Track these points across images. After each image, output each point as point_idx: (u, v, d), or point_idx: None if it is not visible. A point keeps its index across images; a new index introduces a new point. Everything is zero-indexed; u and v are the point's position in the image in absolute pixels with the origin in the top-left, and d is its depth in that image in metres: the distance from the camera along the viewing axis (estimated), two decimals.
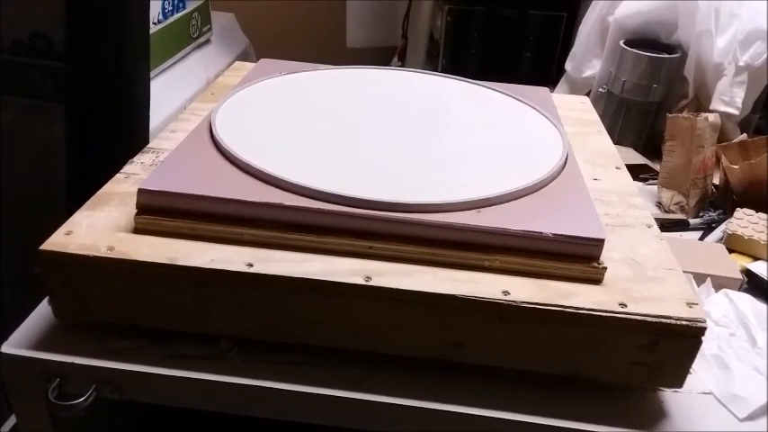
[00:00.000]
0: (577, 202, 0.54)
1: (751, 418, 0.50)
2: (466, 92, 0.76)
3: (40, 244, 0.48)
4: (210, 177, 0.52)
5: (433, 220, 0.49)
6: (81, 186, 0.87)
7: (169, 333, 0.51)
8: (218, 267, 0.47)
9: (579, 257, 0.49)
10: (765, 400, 0.51)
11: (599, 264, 0.49)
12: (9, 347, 0.50)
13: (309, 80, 0.76)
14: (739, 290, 0.64)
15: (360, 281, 0.47)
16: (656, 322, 0.46)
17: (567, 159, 0.60)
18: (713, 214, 0.82)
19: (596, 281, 0.49)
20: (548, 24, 1.17)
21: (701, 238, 0.78)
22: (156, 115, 0.98)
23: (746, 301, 0.61)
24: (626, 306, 0.46)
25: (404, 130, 0.65)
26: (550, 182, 0.56)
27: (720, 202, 0.84)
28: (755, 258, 0.70)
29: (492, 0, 1.14)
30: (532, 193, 0.54)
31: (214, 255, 0.48)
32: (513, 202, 0.52)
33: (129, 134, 0.90)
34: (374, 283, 0.47)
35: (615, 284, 0.49)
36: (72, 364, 0.49)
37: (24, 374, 0.50)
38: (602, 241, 0.49)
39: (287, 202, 0.49)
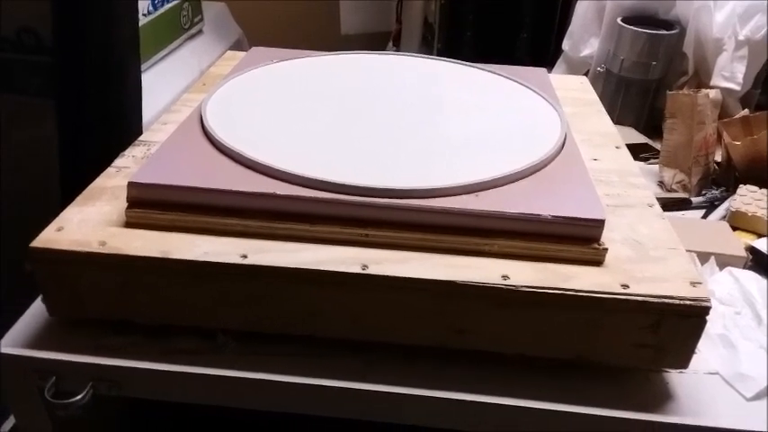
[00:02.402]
0: (577, 182, 0.53)
1: (758, 397, 0.50)
2: (462, 75, 0.75)
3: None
4: (202, 169, 0.51)
5: (430, 206, 0.48)
6: (75, 182, 0.86)
7: (165, 328, 0.50)
8: (212, 260, 0.46)
9: (579, 239, 0.48)
10: None
11: (600, 245, 0.48)
12: (4, 346, 0.49)
13: (301, 67, 0.75)
14: (744, 268, 0.63)
15: (357, 269, 0.46)
16: (659, 303, 0.45)
17: (565, 140, 0.59)
18: (716, 192, 0.81)
19: (597, 262, 0.48)
20: (543, 4, 1.16)
21: (704, 217, 0.77)
22: (150, 108, 0.97)
23: (751, 279, 0.60)
24: (628, 287, 0.45)
25: (399, 115, 0.63)
26: (549, 163, 0.55)
27: (723, 180, 0.83)
28: (759, 235, 0.69)
29: None
30: (531, 175, 0.53)
31: (207, 247, 0.47)
32: (512, 184, 0.51)
33: (122, 128, 0.89)
34: (371, 271, 0.46)
35: (617, 265, 0.48)
36: (68, 361, 0.49)
37: (20, 373, 0.49)
38: (602, 222, 0.48)
39: (280, 191, 0.48)
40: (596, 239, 0.48)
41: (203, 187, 0.49)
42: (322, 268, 0.46)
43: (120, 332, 0.50)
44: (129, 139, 0.89)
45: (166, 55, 1.21)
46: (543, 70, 0.79)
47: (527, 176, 0.53)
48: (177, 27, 1.24)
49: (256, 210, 0.48)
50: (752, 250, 0.65)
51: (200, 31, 1.37)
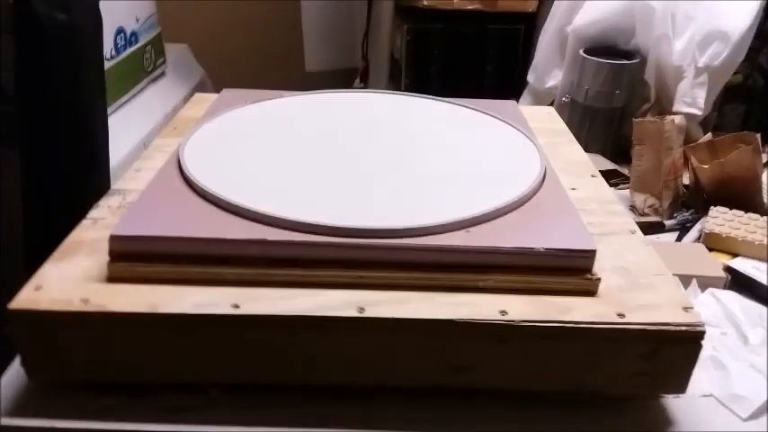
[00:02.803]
0: (563, 214, 0.54)
1: (754, 416, 0.50)
2: (436, 110, 0.76)
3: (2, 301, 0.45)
4: (186, 217, 0.50)
5: (424, 244, 0.48)
6: (41, 234, 0.83)
7: (154, 385, 0.48)
8: (203, 312, 0.45)
9: (572, 270, 0.48)
10: (766, 398, 0.51)
11: (593, 275, 0.48)
12: None
13: (277, 108, 0.74)
14: (723, 288, 0.65)
15: (354, 313, 0.45)
16: (655, 330, 0.45)
17: (545, 172, 0.60)
18: (686, 214, 0.83)
19: (591, 292, 0.48)
20: (506, 38, 1.19)
21: (678, 239, 0.78)
22: (116, 153, 0.95)
23: (733, 300, 0.61)
24: (624, 316, 0.46)
25: (379, 153, 0.63)
26: (533, 195, 0.56)
27: (691, 202, 0.85)
28: (734, 255, 0.71)
29: (450, 17, 1.15)
30: (518, 208, 0.54)
31: (197, 298, 0.46)
32: (501, 218, 0.52)
33: (91, 174, 0.86)
34: (369, 314, 0.45)
35: (610, 295, 0.48)
36: (51, 428, 0.46)
37: None
38: (593, 252, 0.48)
39: (270, 237, 0.47)
40: (588, 270, 0.48)
41: (191, 237, 0.47)
42: (318, 314, 0.45)
43: (106, 393, 0.48)
44: (97, 187, 0.88)
45: (130, 98, 1.19)
46: (514, 103, 0.81)
47: (514, 209, 0.53)
48: (140, 70, 1.22)
49: (247, 257, 0.47)
50: (729, 270, 0.67)
51: (162, 74, 1.36)
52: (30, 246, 0.84)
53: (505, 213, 0.52)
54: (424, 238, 0.48)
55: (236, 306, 0.45)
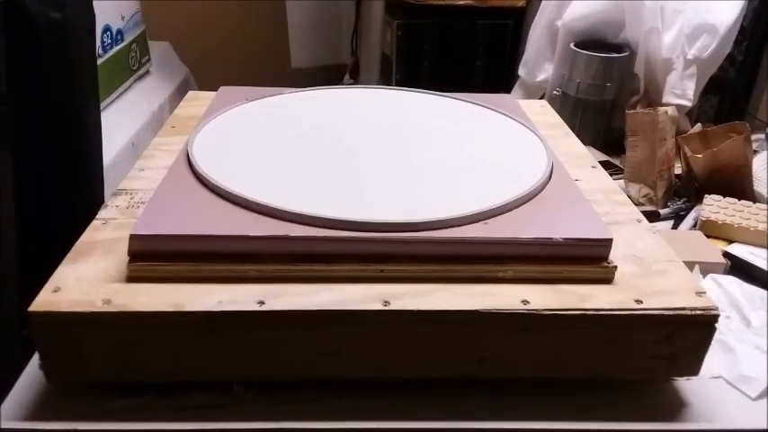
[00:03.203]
0: (575, 204, 0.55)
1: (762, 396, 0.52)
2: (438, 105, 0.76)
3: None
4: (205, 215, 0.50)
5: (444, 237, 0.48)
6: (35, 237, 0.82)
7: (176, 384, 0.48)
8: (228, 309, 0.44)
9: (589, 259, 0.49)
10: None
11: (609, 263, 0.49)
12: (4, 420, 0.45)
13: (280, 105, 0.74)
14: (723, 273, 0.67)
15: (378, 306, 0.45)
16: (672, 315, 0.46)
17: (553, 164, 0.61)
18: (679, 203, 0.86)
19: (608, 280, 0.49)
20: (495, 33, 1.20)
21: (674, 227, 0.80)
22: (104, 154, 0.93)
23: (734, 284, 0.63)
24: (641, 302, 0.47)
25: (389, 147, 0.64)
26: (545, 187, 0.57)
27: (684, 191, 0.87)
28: (730, 241, 0.73)
29: (440, 12, 1.16)
30: (531, 199, 0.54)
31: (221, 296, 0.45)
32: (516, 210, 0.52)
33: (85, 174, 0.85)
34: (393, 306, 0.45)
35: (625, 282, 0.49)
36: (73, 430, 0.45)
37: None
38: (610, 241, 0.49)
39: (292, 233, 0.47)
40: (605, 258, 0.49)
41: (213, 234, 0.47)
42: (344, 308, 0.45)
43: (128, 394, 0.48)
44: (91, 186, 0.86)
45: (117, 97, 1.18)
46: (511, 96, 0.82)
47: (528, 201, 0.54)
48: (126, 68, 1.21)
49: (269, 253, 0.47)
50: (728, 256, 0.69)
51: (147, 72, 1.34)
52: (23, 248, 0.82)
53: (520, 205, 0.53)
54: (444, 230, 0.49)
55: (262, 302, 0.45)
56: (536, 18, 1.05)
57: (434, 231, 0.49)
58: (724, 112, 1.15)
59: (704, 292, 0.48)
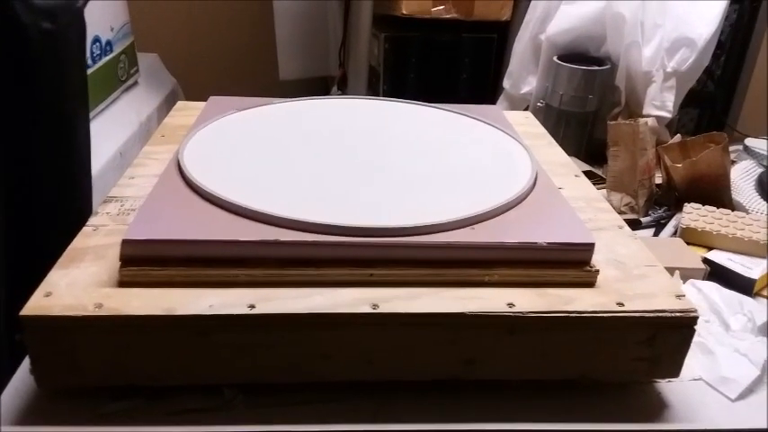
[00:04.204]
0: (559, 210, 0.56)
1: (741, 397, 0.53)
2: (425, 115, 0.78)
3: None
4: (196, 220, 0.50)
5: (432, 242, 0.49)
6: (22, 246, 0.82)
7: (166, 388, 0.48)
8: (220, 312, 0.45)
9: (572, 263, 0.51)
10: (752, 379, 0.54)
11: (591, 267, 0.51)
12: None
13: (270, 114, 0.75)
14: (703, 279, 0.69)
15: (367, 309, 0.46)
16: (653, 317, 0.48)
17: (537, 172, 0.63)
18: (660, 211, 0.88)
19: (590, 284, 0.51)
20: (481, 46, 1.22)
21: (655, 235, 0.82)
22: (92, 163, 0.93)
23: (713, 289, 0.65)
24: (623, 305, 0.48)
25: (377, 155, 0.65)
26: (529, 194, 0.58)
27: (664, 200, 0.89)
28: (709, 248, 0.74)
29: (427, 26, 1.18)
30: (517, 206, 0.56)
31: (212, 300, 0.46)
32: (502, 216, 0.54)
33: (72, 188, 0.85)
34: (382, 309, 0.46)
35: (607, 285, 0.51)
36: None
37: None
38: (592, 245, 0.51)
39: (283, 238, 0.48)
40: (587, 262, 0.51)
41: (204, 239, 0.48)
42: (333, 311, 0.46)
43: (119, 397, 0.48)
44: (81, 194, 0.86)
45: (105, 107, 1.18)
46: (497, 107, 0.84)
47: (513, 207, 0.55)
48: (115, 79, 1.21)
49: (260, 258, 0.48)
50: (707, 262, 0.71)
51: (136, 83, 1.34)
52: (9, 253, 0.82)
53: (506, 211, 0.54)
54: (432, 235, 0.50)
55: (252, 306, 0.46)
56: (520, 32, 1.07)
57: (422, 236, 0.50)
58: (703, 125, 1.18)
59: (683, 295, 0.50)
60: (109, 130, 1.14)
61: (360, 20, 1.16)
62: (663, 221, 0.85)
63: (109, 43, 1.16)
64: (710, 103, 1.17)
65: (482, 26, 1.21)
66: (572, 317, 0.47)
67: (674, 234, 0.80)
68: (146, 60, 1.45)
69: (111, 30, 1.18)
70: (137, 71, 1.33)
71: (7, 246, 0.83)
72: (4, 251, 0.82)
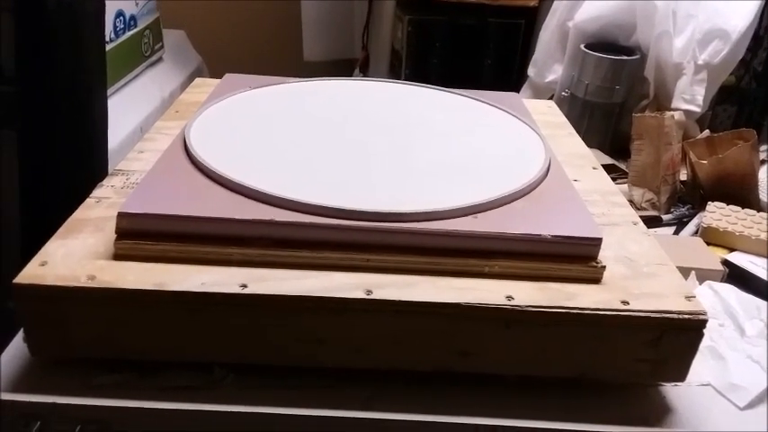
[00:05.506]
0: (569, 202, 0.54)
1: (751, 406, 0.51)
2: (442, 100, 0.76)
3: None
4: (194, 197, 0.50)
5: (431, 229, 0.48)
6: (37, 216, 0.83)
7: (157, 363, 0.48)
8: (210, 290, 0.45)
9: (578, 258, 0.49)
10: (763, 388, 0.51)
11: (597, 263, 0.49)
12: None
13: (282, 93, 0.74)
14: (721, 281, 0.66)
15: (361, 295, 0.45)
16: (659, 317, 0.46)
17: (550, 162, 0.61)
18: (683, 209, 0.84)
19: (596, 280, 0.49)
20: (507, 32, 1.19)
21: (675, 233, 0.79)
22: (114, 136, 0.94)
23: (731, 292, 0.62)
24: (628, 303, 0.46)
25: (385, 139, 0.64)
26: (539, 184, 0.56)
27: (688, 197, 0.86)
28: (731, 250, 0.71)
29: (452, 9, 1.15)
30: (524, 196, 0.54)
31: (204, 277, 0.46)
32: (508, 206, 0.52)
33: (90, 157, 0.86)
34: (376, 296, 0.45)
35: (614, 283, 0.49)
36: (53, 404, 0.46)
37: (3, 419, 0.46)
38: (599, 240, 0.49)
39: (278, 218, 0.47)
40: (594, 258, 0.49)
41: (199, 216, 0.47)
42: (326, 295, 0.45)
43: (110, 370, 0.48)
44: (94, 170, 0.87)
45: (128, 82, 1.19)
46: (516, 95, 0.81)
47: (521, 197, 0.54)
48: (138, 54, 1.21)
49: (255, 237, 0.47)
50: (727, 264, 0.68)
51: (160, 59, 1.35)
52: (26, 229, 0.83)
53: (512, 201, 0.53)
54: (431, 222, 0.49)
55: (244, 286, 0.45)
56: (547, 18, 1.04)
57: (422, 223, 0.48)
58: (741, 124, 1.13)
59: (694, 297, 0.48)
60: (130, 105, 1.15)
61: (383, 2, 1.14)
62: (685, 219, 0.82)
63: (133, 18, 1.17)
64: (750, 100, 1.12)
65: (509, 11, 1.18)
66: (572, 313, 0.45)
67: (696, 233, 0.77)
68: (172, 37, 1.46)
69: (137, 5, 1.18)
70: (161, 47, 1.34)
71: (22, 216, 0.84)
72: (18, 223, 0.83)
